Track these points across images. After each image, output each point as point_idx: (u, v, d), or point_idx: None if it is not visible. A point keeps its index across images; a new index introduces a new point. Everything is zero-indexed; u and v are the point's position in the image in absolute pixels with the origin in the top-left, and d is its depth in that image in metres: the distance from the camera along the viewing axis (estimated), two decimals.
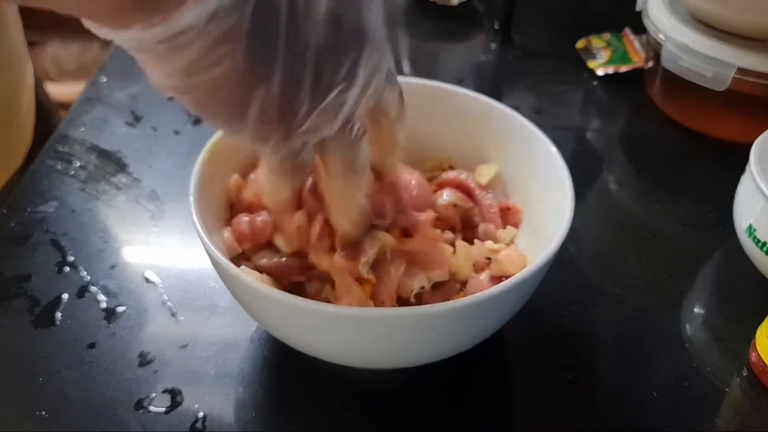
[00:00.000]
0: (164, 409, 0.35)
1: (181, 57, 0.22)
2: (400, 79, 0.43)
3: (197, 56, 0.22)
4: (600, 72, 0.63)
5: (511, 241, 0.39)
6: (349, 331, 0.30)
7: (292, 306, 0.29)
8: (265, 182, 0.30)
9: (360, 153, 0.28)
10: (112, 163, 0.51)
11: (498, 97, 0.62)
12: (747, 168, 0.41)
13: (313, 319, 0.29)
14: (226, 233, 0.35)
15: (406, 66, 0.66)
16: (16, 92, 0.56)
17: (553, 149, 0.37)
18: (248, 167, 0.39)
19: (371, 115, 0.30)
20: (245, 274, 0.31)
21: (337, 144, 0.27)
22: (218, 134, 0.37)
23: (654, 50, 0.57)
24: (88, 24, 0.22)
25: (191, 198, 0.33)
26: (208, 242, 0.31)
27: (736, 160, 0.44)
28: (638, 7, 0.60)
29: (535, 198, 0.38)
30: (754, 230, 0.40)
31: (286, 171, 0.28)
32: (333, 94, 0.24)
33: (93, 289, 0.41)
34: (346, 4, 0.23)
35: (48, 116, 0.62)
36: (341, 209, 0.31)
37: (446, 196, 0.38)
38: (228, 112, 0.24)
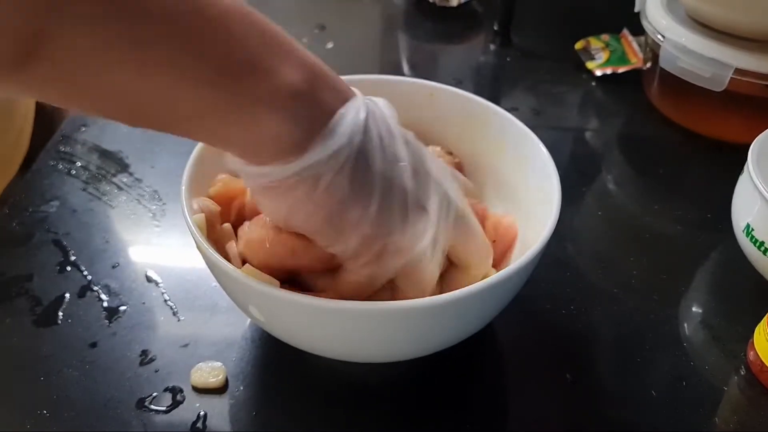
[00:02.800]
0: (165, 408, 0.35)
1: (304, 188, 0.27)
2: (394, 78, 0.44)
3: (322, 186, 0.27)
4: (598, 73, 0.63)
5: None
6: (333, 324, 0.30)
7: (277, 298, 0.29)
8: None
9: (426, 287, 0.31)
10: (114, 163, 0.51)
11: (497, 97, 0.63)
12: (745, 168, 0.41)
13: (297, 312, 0.30)
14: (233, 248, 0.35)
15: (405, 67, 0.66)
16: (13, 98, 0.55)
17: (545, 153, 0.37)
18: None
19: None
20: (232, 264, 0.31)
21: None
22: None
23: (652, 51, 0.57)
24: (236, 162, 0.28)
25: (183, 188, 0.34)
26: (198, 235, 0.32)
27: (733, 160, 0.44)
28: (636, 8, 0.60)
29: (527, 200, 0.39)
30: (752, 230, 0.40)
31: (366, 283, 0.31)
32: (416, 218, 0.29)
33: (95, 288, 0.41)
34: (419, 162, 0.30)
35: (51, 119, 0.62)
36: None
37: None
38: (334, 232, 0.28)
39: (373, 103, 0.29)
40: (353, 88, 0.29)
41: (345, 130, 0.26)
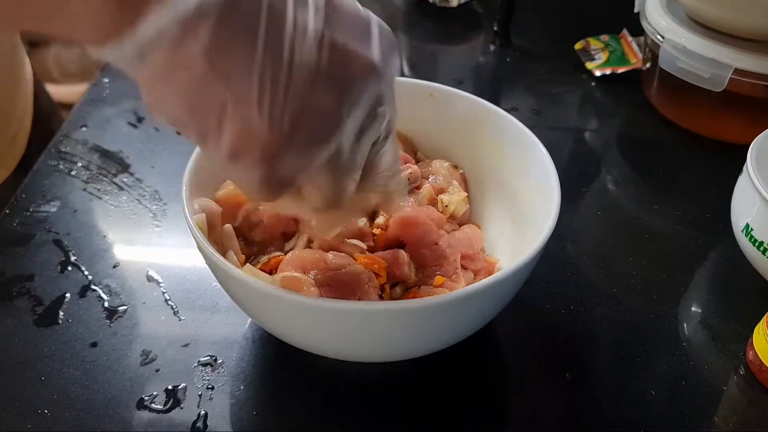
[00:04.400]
0: (166, 407, 0.35)
1: (152, 65, 0.22)
2: (401, 79, 0.44)
3: (165, 63, 0.21)
4: (598, 73, 0.63)
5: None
6: (333, 324, 0.30)
7: (277, 298, 0.30)
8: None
9: (345, 189, 0.26)
10: (115, 163, 0.51)
11: (497, 98, 0.63)
12: (744, 168, 0.42)
13: (297, 312, 0.30)
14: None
15: (405, 67, 0.66)
16: (10, 100, 0.55)
17: (545, 153, 0.38)
18: None
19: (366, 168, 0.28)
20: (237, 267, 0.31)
21: (324, 179, 0.25)
22: None
23: (651, 51, 0.58)
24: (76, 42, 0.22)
25: (183, 188, 0.34)
26: (195, 229, 0.32)
27: (733, 160, 0.44)
28: (636, 9, 0.60)
29: (527, 199, 0.39)
30: (751, 230, 0.40)
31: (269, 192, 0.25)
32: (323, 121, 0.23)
33: (95, 288, 0.41)
34: (341, 32, 0.22)
35: (48, 120, 0.62)
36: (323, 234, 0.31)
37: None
38: (204, 125, 0.23)
39: None
40: None
41: None
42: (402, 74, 0.64)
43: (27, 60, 0.59)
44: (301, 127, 0.22)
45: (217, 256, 0.31)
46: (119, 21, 0.21)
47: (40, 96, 0.62)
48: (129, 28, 0.21)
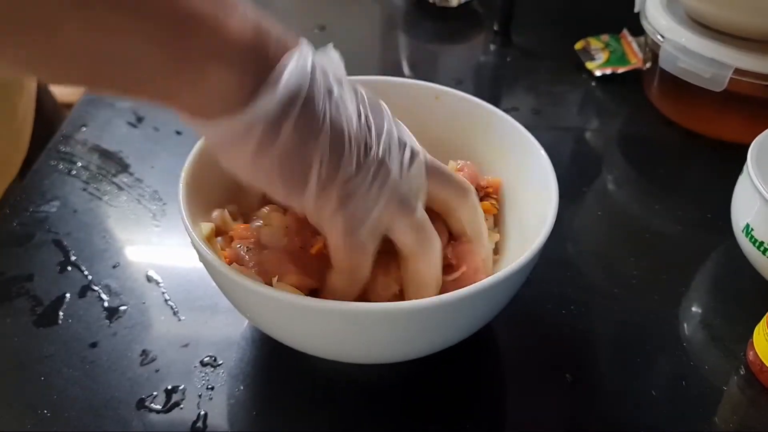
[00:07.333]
0: (166, 408, 0.35)
1: (255, 140, 0.27)
2: (400, 80, 0.44)
3: (271, 137, 0.27)
4: (598, 73, 0.63)
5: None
6: (329, 326, 0.30)
7: (270, 299, 0.29)
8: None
9: (427, 232, 0.31)
10: (114, 163, 0.51)
11: (497, 98, 0.63)
12: (744, 168, 0.42)
13: (293, 313, 0.30)
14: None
15: (405, 67, 0.66)
16: (12, 98, 0.55)
17: (544, 156, 0.37)
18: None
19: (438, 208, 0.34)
20: (228, 266, 0.31)
21: (403, 226, 0.31)
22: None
23: (652, 51, 0.58)
24: (191, 121, 0.27)
25: (181, 185, 0.34)
26: (192, 232, 0.32)
27: (733, 160, 0.44)
28: (636, 9, 0.60)
29: (526, 202, 0.39)
30: (752, 230, 0.40)
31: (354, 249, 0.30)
32: (372, 166, 0.29)
33: (95, 288, 0.41)
34: (368, 110, 0.30)
35: (51, 120, 0.62)
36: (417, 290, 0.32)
37: None
38: (290, 182, 0.28)
39: (321, 52, 0.30)
40: (302, 39, 0.29)
41: (291, 79, 0.27)
42: (402, 74, 0.64)
43: None
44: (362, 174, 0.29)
45: (211, 255, 0.31)
46: (241, 100, 0.26)
47: (43, 95, 0.62)
48: (242, 107, 0.26)
